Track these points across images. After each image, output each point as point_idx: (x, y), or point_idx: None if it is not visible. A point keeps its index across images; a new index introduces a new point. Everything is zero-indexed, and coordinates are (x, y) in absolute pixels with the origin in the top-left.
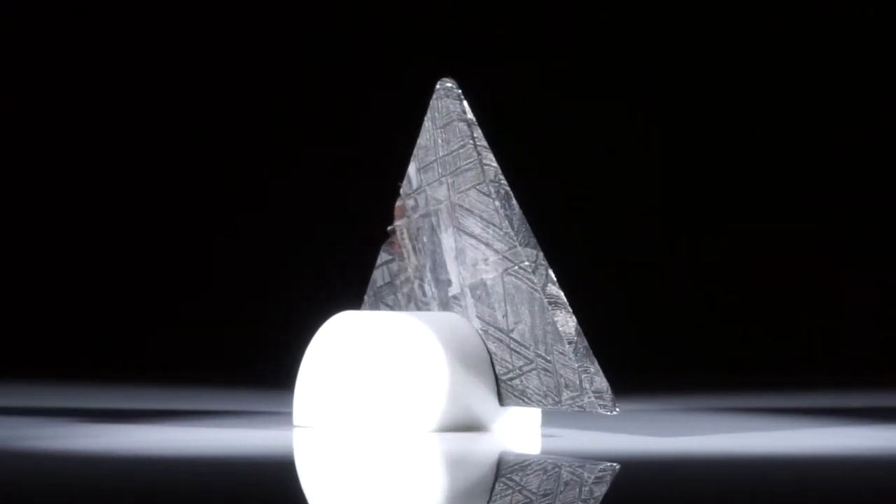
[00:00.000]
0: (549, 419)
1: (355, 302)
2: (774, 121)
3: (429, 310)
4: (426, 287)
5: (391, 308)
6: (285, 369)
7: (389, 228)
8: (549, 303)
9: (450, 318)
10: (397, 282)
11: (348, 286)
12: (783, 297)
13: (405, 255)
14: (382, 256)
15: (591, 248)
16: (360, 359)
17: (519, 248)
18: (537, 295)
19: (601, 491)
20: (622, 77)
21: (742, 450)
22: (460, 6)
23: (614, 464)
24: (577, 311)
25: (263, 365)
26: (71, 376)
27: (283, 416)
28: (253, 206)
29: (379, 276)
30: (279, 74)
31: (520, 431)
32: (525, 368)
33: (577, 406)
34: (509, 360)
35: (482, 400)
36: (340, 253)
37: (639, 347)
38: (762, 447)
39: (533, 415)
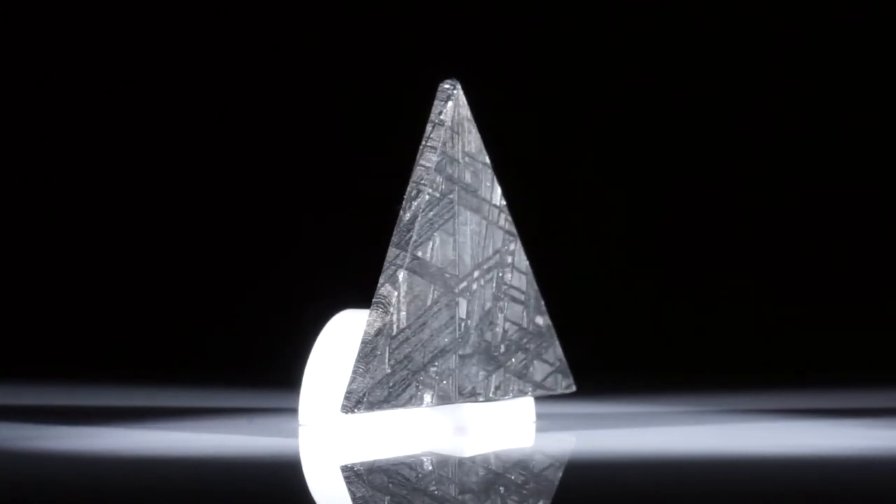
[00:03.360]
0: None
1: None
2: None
3: None
4: None
5: None
6: (286, 368)
7: None
8: (374, 301)
9: None
10: None
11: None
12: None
13: None
14: None
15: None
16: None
17: (390, 248)
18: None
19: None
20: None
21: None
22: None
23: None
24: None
25: (265, 363)
26: (71, 376)
27: (281, 413)
28: (255, 207)
29: None
30: (289, 77)
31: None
32: None
33: None
34: None
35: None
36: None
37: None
38: (756, 448)
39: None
